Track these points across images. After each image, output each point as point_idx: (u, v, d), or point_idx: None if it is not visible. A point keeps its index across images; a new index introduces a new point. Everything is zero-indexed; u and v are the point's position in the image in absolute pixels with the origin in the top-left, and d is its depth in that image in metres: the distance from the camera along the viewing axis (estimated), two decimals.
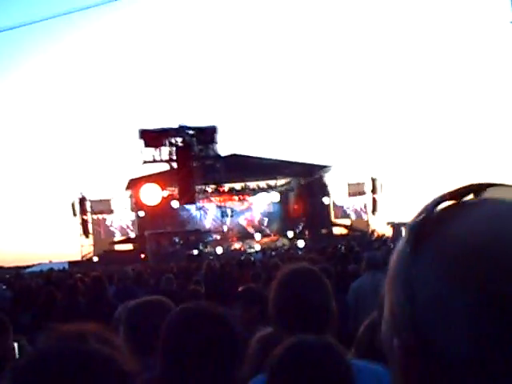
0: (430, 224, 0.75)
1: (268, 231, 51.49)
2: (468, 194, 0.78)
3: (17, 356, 2.51)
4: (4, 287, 14.76)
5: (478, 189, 0.78)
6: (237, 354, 2.21)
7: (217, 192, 46.14)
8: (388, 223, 49.75)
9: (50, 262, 46.67)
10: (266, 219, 52.47)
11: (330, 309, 2.60)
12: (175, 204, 43.10)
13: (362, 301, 7.18)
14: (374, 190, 51.49)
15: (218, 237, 47.20)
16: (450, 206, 0.77)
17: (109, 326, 1.95)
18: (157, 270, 17.56)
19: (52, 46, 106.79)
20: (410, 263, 0.73)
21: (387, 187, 51.59)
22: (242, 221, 51.25)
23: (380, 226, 50.46)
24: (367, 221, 53.40)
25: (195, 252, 38.18)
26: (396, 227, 47.74)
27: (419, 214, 0.77)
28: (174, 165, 41.06)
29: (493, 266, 0.67)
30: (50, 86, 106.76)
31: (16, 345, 2.54)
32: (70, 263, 43.55)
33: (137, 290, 8.65)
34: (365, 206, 53.52)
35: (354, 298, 7.17)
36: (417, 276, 0.72)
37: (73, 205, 47.80)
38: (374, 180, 51.24)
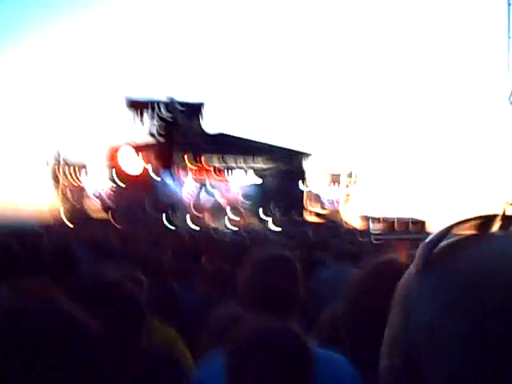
0: (438, 252, 0.75)
1: (242, 211, 51.51)
2: (484, 224, 0.77)
3: None
4: None
5: (492, 219, 0.77)
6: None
7: (196, 167, 46.10)
8: (360, 216, 50.20)
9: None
10: (242, 199, 52.48)
11: (296, 295, 2.72)
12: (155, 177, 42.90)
13: (326, 291, 7.38)
14: (349, 182, 51.86)
15: (191, 211, 47.19)
16: (461, 237, 0.76)
17: None
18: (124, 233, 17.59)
19: (44, 17, 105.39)
20: (412, 286, 0.75)
21: (362, 180, 52.02)
22: (218, 198, 51.21)
23: (352, 218, 50.89)
24: (339, 212, 53.71)
25: (168, 225, 38.13)
26: (367, 220, 48.22)
27: (432, 239, 0.76)
28: (160, 138, 41.00)
29: (487, 304, 0.66)
30: (37, 54, 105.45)
31: None
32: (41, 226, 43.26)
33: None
34: (339, 197, 53.82)
35: (319, 288, 7.33)
36: (416, 300, 0.73)
37: (51, 169, 47.43)
38: (350, 172, 51.61)
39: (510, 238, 0.73)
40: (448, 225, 0.75)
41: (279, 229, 41.83)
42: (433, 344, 0.68)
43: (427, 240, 0.75)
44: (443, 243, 0.75)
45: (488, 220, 0.75)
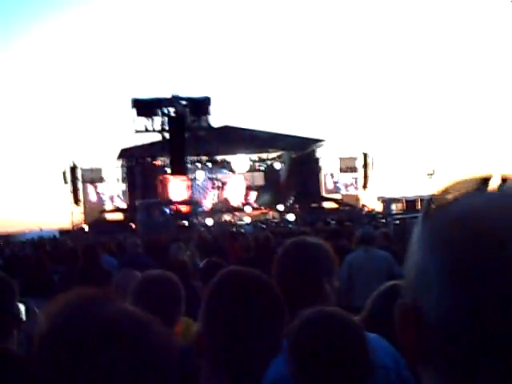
0: (436, 204, 0.82)
1: (257, 204, 51.44)
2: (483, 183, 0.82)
3: (23, 317, 2.50)
4: None
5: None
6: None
7: (208, 163, 45.98)
8: (378, 198, 49.85)
9: (41, 229, 46.60)
10: (256, 192, 52.42)
11: (326, 283, 2.57)
12: (167, 174, 42.82)
13: (355, 276, 7.22)
14: (365, 165, 51.45)
15: (208, 208, 47.15)
16: (457, 194, 0.81)
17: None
18: (148, 240, 17.51)
19: (49, 16, 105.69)
20: (414, 236, 0.82)
21: (378, 162, 51.62)
22: (233, 193, 51.15)
23: (370, 201, 50.63)
24: (357, 196, 53.46)
25: (186, 223, 38.12)
26: (386, 202, 47.88)
27: (432, 194, 0.83)
28: (166, 135, 40.78)
29: (468, 240, 0.73)
30: (45, 56, 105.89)
31: (23, 306, 2.53)
32: (61, 231, 43.48)
33: (146, 260, 8.56)
34: (356, 181, 53.53)
35: (347, 273, 7.18)
36: (414, 245, 0.81)
37: (64, 173, 47.57)
38: (365, 155, 51.17)
39: (498, 193, 0.80)
40: (448, 183, 0.82)
41: (296, 218, 41.73)
42: (421, 281, 0.77)
43: (428, 195, 0.83)
44: (442, 198, 0.81)
45: (486, 180, 0.81)
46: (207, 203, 48.36)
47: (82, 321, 1.14)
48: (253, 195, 52.19)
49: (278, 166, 52.55)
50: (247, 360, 2.06)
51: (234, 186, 51.27)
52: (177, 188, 46.11)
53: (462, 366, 0.73)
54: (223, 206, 48.44)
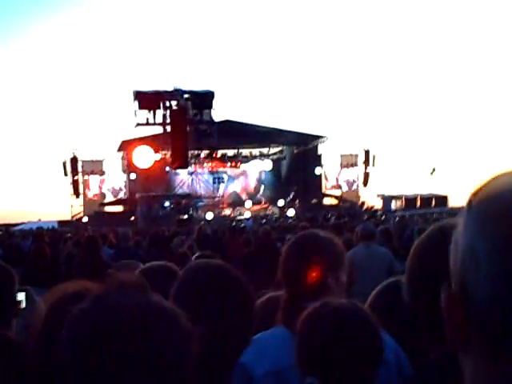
0: (475, 195, 0.86)
1: (260, 199, 51.47)
2: None
3: (23, 305, 2.50)
4: None
5: None
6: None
7: (209, 157, 45.89)
8: (378, 195, 49.91)
9: (40, 220, 46.59)
10: (259, 187, 52.48)
11: (331, 277, 2.56)
12: (168, 168, 42.73)
13: (355, 271, 7.20)
14: (366, 162, 51.43)
15: (209, 202, 47.13)
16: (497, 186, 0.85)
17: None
18: (148, 233, 17.53)
19: (52, 8, 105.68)
20: (460, 224, 0.86)
21: (379, 160, 51.60)
22: (235, 187, 51.15)
23: (370, 198, 50.66)
24: (358, 192, 53.49)
25: (185, 216, 38.13)
26: (386, 199, 47.93)
27: (475, 188, 0.88)
28: (168, 128, 40.66)
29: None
30: (47, 48, 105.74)
31: (23, 294, 2.52)
32: (60, 223, 43.48)
33: (138, 252, 8.60)
34: (357, 178, 53.55)
35: (347, 269, 7.17)
36: (462, 232, 0.84)
37: (64, 164, 47.54)
38: (366, 152, 51.16)
39: None
40: (490, 176, 0.87)
41: (297, 213, 41.73)
42: (470, 261, 0.81)
43: (472, 190, 0.87)
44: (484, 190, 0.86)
45: None
46: (208, 197, 48.31)
47: (112, 309, 1.13)
48: (257, 190, 52.29)
49: (279, 161, 52.54)
50: (217, 353, 2.08)
51: (235, 181, 51.32)
52: (177, 181, 46.12)
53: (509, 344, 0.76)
54: (223, 201, 48.36)
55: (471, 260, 0.80)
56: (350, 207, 45.65)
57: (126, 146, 46.21)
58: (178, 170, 44.08)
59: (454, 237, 0.87)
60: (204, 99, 41.07)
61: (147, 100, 40.57)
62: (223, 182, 49.61)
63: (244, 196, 50.77)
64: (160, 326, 1.12)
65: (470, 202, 0.85)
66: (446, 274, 0.87)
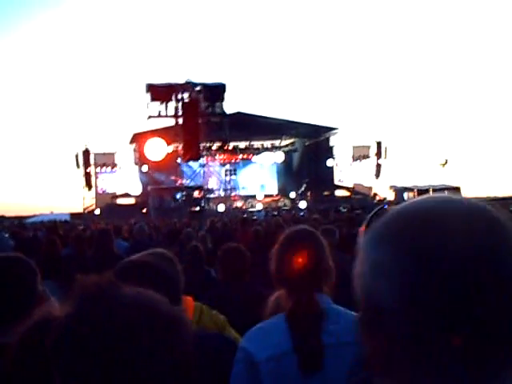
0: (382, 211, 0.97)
1: (270, 191, 51.45)
2: None
3: (49, 296, 2.51)
4: (7, 236, 14.80)
5: None
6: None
7: (221, 150, 45.87)
8: (390, 187, 49.74)
9: (52, 213, 46.77)
10: (269, 179, 52.43)
11: (324, 268, 2.62)
12: (180, 160, 42.66)
13: None
14: (378, 154, 51.28)
15: (221, 194, 47.09)
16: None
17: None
18: (161, 227, 17.53)
19: (64, 1, 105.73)
20: (364, 238, 0.90)
21: (391, 151, 51.39)
22: (246, 179, 51.09)
23: (382, 190, 50.52)
24: (369, 184, 53.33)
25: (197, 209, 38.15)
26: (398, 191, 47.75)
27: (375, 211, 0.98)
28: (180, 121, 40.68)
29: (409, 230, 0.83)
30: (59, 40, 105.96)
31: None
32: (72, 215, 43.64)
33: (153, 245, 8.59)
34: (368, 170, 53.37)
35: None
36: (364, 250, 0.88)
37: (76, 157, 47.70)
38: (378, 144, 51.01)
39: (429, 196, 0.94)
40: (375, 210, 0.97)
41: (309, 205, 41.67)
42: (377, 273, 0.83)
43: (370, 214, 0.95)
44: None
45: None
46: (219, 189, 48.27)
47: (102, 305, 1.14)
48: (272, 181, 52.31)
49: (291, 153, 52.44)
50: None
51: (246, 173, 51.30)
52: (189, 173, 46.11)
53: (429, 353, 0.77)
54: (235, 193, 48.30)
55: (378, 272, 0.83)
56: (362, 199, 45.54)
57: (138, 139, 46.30)
58: (190, 163, 44.06)
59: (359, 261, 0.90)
60: (216, 92, 41.03)
61: (159, 92, 40.58)
62: (235, 174, 49.54)
63: (256, 188, 50.72)
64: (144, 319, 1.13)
65: (370, 221, 0.94)
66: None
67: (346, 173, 54.41)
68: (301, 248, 2.60)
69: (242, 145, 50.16)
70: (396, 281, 0.80)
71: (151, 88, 40.87)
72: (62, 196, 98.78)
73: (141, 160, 46.88)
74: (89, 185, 48.91)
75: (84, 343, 1.10)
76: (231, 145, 47.23)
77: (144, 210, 42.45)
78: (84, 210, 48.78)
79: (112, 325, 1.10)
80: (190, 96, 40.53)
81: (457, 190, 46.19)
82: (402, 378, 0.81)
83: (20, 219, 36.45)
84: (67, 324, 1.13)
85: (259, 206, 44.48)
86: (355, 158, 53.85)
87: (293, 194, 48.22)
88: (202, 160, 44.64)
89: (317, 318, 2.39)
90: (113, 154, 51.07)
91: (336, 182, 52.88)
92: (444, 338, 0.76)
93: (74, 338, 1.11)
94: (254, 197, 48.58)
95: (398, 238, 0.82)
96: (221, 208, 40.87)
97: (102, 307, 1.13)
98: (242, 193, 49.08)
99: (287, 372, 2.27)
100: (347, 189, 52.72)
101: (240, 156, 50.18)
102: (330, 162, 51.55)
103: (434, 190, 46.84)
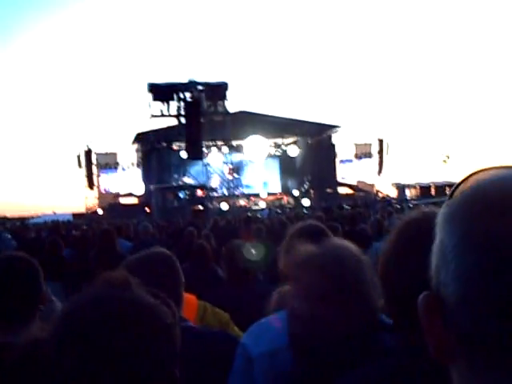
0: (459, 186, 0.85)
1: (273, 189, 51.43)
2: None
3: (51, 297, 2.51)
4: (9, 236, 14.82)
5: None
6: None
7: (224, 148, 45.88)
8: (393, 184, 49.76)
9: (54, 213, 46.84)
10: (272, 177, 52.40)
11: None
12: (184, 154, 42.51)
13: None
14: (380, 151, 51.25)
15: (224, 193, 47.08)
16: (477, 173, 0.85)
17: None
18: (163, 225, 17.54)
19: (66, 1, 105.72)
20: (437, 221, 0.83)
21: (393, 148, 51.37)
22: (250, 178, 51.06)
23: (385, 187, 50.53)
24: (372, 181, 53.33)
25: (200, 207, 38.15)
26: (400, 188, 47.75)
27: (456, 183, 0.86)
28: (182, 120, 40.66)
29: (484, 217, 0.76)
30: (61, 40, 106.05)
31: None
32: (75, 215, 43.69)
33: (157, 245, 8.57)
34: (371, 167, 53.34)
35: (374, 259, 7.11)
36: (435, 235, 0.82)
37: (78, 157, 47.71)
38: (381, 141, 50.97)
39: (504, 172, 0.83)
40: (468, 173, 0.86)
41: (311, 203, 41.68)
42: (441, 258, 0.79)
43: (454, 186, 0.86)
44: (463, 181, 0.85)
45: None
46: (222, 188, 48.26)
47: (98, 303, 1.18)
48: (272, 180, 52.25)
49: (293, 151, 52.40)
50: None
51: (249, 171, 51.27)
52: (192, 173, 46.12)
53: (488, 345, 0.74)
54: (238, 191, 48.27)
55: (441, 257, 0.79)
56: (364, 196, 45.55)
57: (140, 138, 46.28)
58: (193, 162, 44.04)
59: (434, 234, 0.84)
60: (218, 90, 41.02)
61: (161, 92, 40.58)
62: (238, 172, 49.50)
63: (259, 186, 50.70)
64: (139, 321, 1.16)
65: (448, 199, 0.84)
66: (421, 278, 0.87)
67: (349, 170, 54.39)
68: (310, 242, 2.59)
69: (243, 142, 50.19)
70: (462, 266, 0.76)
71: (153, 87, 40.87)
72: (65, 196, 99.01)
73: (143, 159, 46.93)
74: (91, 185, 48.91)
75: (65, 332, 1.16)
76: (234, 143, 47.23)
77: (147, 210, 42.47)
78: (87, 210, 48.82)
79: (95, 318, 1.14)
80: (192, 95, 40.50)
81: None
82: (462, 367, 0.78)
83: (22, 220, 36.49)
84: (59, 316, 1.20)
85: (262, 205, 44.46)
86: (357, 156, 53.85)
87: (296, 192, 48.21)
88: (205, 159, 44.66)
89: None
90: (115, 154, 51.13)
91: (339, 180, 52.85)
92: (507, 331, 0.72)
93: (60, 327, 1.17)
94: (257, 195, 48.57)
95: (471, 221, 0.77)
96: (224, 207, 40.86)
97: (93, 303, 1.17)
98: (245, 191, 49.06)
99: (282, 369, 2.23)
100: (350, 186, 52.73)
101: (242, 154, 50.13)
102: (332, 160, 51.58)
103: (437, 187, 46.87)
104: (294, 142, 52.32)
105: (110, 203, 47.93)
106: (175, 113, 41.22)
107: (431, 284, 0.81)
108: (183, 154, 41.85)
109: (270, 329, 2.41)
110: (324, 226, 2.87)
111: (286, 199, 48.72)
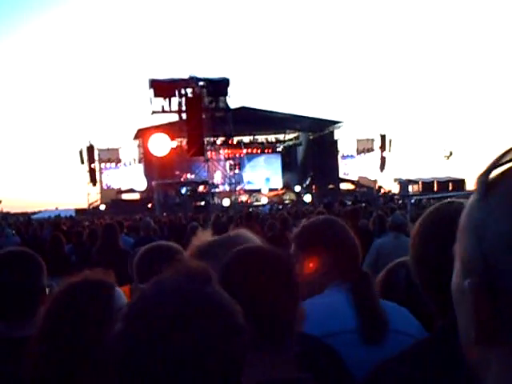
0: (497, 174, 0.79)
1: (275, 185, 51.44)
2: None
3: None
4: (13, 232, 14.86)
5: None
6: None
7: (225, 144, 45.87)
8: (395, 180, 49.68)
9: (57, 209, 46.88)
10: (274, 173, 52.39)
11: None
12: (185, 150, 42.51)
13: (382, 260, 7.14)
14: (382, 147, 51.21)
15: (226, 189, 47.10)
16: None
17: (120, 273, 1.95)
18: (165, 221, 17.54)
19: None
20: (478, 210, 0.80)
21: (395, 144, 51.35)
22: (251, 173, 51.07)
23: (387, 183, 50.48)
24: (374, 177, 53.27)
25: (202, 203, 38.17)
26: (403, 184, 47.69)
27: (485, 170, 0.81)
28: (184, 116, 40.63)
29: None
30: (63, 36, 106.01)
31: (48, 290, 2.53)
32: (77, 211, 43.71)
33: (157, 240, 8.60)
34: (373, 163, 53.29)
35: (375, 255, 7.10)
36: (485, 220, 0.78)
37: (81, 153, 47.77)
38: (383, 137, 50.93)
39: None
40: (499, 154, 0.81)
41: (312, 198, 41.66)
42: (505, 251, 0.74)
43: (481, 172, 0.81)
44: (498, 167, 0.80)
45: None
46: (224, 184, 48.28)
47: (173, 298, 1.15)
48: (274, 176, 52.24)
49: (295, 147, 52.41)
50: None
51: (251, 167, 51.25)
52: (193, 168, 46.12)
53: None
54: (240, 187, 48.24)
55: (504, 247, 0.74)
56: (366, 192, 45.52)
57: (142, 134, 46.29)
58: (194, 157, 44.07)
59: (464, 221, 0.82)
60: (219, 86, 41.00)
61: (162, 88, 40.56)
62: (239, 168, 49.51)
63: (260, 182, 50.70)
64: (212, 318, 1.13)
65: (491, 182, 0.79)
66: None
67: (351, 166, 54.35)
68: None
69: (247, 139, 50.17)
70: None
71: (154, 83, 40.85)
72: (67, 192, 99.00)
73: (145, 155, 46.91)
74: (93, 181, 48.97)
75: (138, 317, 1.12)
76: (235, 139, 47.22)
77: (149, 205, 42.47)
78: (89, 205, 48.89)
79: (170, 311, 1.11)
80: (193, 91, 40.49)
81: (461, 182, 46.13)
82: (506, 351, 0.76)
83: (25, 216, 36.51)
84: (135, 300, 1.17)
85: (264, 200, 44.46)
86: (359, 151, 53.82)
87: (298, 188, 48.21)
88: (207, 155, 44.68)
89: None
90: (117, 150, 51.18)
91: (341, 176, 52.82)
92: None
93: (135, 311, 1.14)
94: (258, 191, 48.58)
95: None
96: (226, 202, 40.86)
97: (172, 293, 1.14)
98: (247, 187, 49.07)
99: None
100: (352, 182, 52.71)
101: (244, 150, 50.16)
102: (334, 156, 51.54)
103: (439, 183, 46.85)
104: (296, 138, 52.30)
105: (113, 199, 47.98)
106: (176, 109, 41.19)
107: (476, 268, 0.78)
108: (185, 150, 41.80)
109: (322, 311, 2.24)
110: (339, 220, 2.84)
111: (287, 195, 48.73)
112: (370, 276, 2.34)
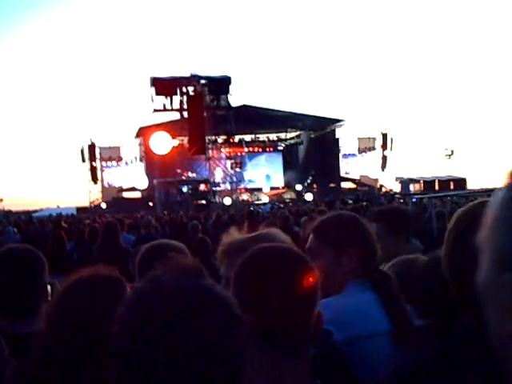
0: None
1: (277, 184, 51.42)
2: None
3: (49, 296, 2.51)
4: (15, 230, 14.88)
5: None
6: None
7: (227, 143, 45.84)
8: (396, 179, 49.66)
9: (58, 207, 46.85)
10: (275, 171, 52.38)
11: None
12: (187, 149, 42.49)
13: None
14: (384, 146, 51.18)
15: (227, 187, 47.09)
16: None
17: (121, 271, 1.95)
18: (166, 219, 17.54)
19: None
20: (507, 201, 0.80)
21: (397, 143, 51.30)
22: (252, 172, 51.05)
23: (388, 182, 50.46)
24: (376, 176, 53.24)
25: (203, 202, 38.14)
26: (404, 183, 47.66)
27: None
28: (185, 114, 40.59)
29: None
30: (64, 34, 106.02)
31: (49, 287, 2.53)
32: (78, 209, 43.71)
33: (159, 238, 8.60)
34: (374, 162, 53.24)
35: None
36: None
37: (82, 151, 47.76)
38: (384, 135, 50.89)
39: None
40: None
41: (314, 197, 41.63)
42: None
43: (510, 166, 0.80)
44: None
45: None
46: (225, 182, 48.27)
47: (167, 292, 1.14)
48: (275, 174, 52.22)
49: (296, 145, 52.38)
50: None
51: (252, 165, 51.22)
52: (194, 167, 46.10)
53: None
54: (241, 186, 48.25)
55: None
56: (368, 191, 45.50)
57: (143, 132, 46.27)
58: (196, 156, 44.04)
59: (498, 216, 0.81)
60: (221, 85, 40.94)
61: (164, 86, 40.51)
62: (241, 167, 49.50)
63: (262, 181, 50.69)
64: (211, 312, 1.12)
65: None
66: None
67: (352, 165, 54.31)
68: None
69: (248, 138, 50.14)
70: None
71: (156, 81, 40.80)
72: (68, 190, 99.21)
73: (146, 154, 46.90)
74: (95, 179, 48.98)
75: (136, 315, 1.12)
76: (237, 138, 47.18)
77: (150, 204, 42.46)
78: (90, 203, 48.87)
79: (168, 306, 1.10)
80: (194, 89, 40.46)
81: (462, 181, 46.09)
82: None
83: (27, 214, 36.49)
84: (130, 297, 1.18)
85: (265, 199, 44.43)
86: (361, 150, 53.77)
87: (299, 187, 48.18)
88: (208, 153, 44.66)
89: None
90: (118, 148, 51.17)
91: (342, 174, 52.79)
92: None
93: (131, 309, 1.14)
94: (260, 189, 48.56)
95: None
96: (227, 201, 40.82)
97: (167, 289, 1.13)
98: (248, 186, 49.05)
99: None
100: (353, 181, 52.68)
101: (246, 149, 50.13)
102: (336, 154, 51.50)
103: (440, 182, 46.81)
104: (298, 137, 52.27)
105: (114, 197, 47.99)
106: (178, 107, 41.15)
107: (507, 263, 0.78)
108: (186, 149, 41.77)
109: (353, 312, 2.20)
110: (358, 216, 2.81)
111: (289, 193, 48.71)
112: (391, 276, 2.27)
